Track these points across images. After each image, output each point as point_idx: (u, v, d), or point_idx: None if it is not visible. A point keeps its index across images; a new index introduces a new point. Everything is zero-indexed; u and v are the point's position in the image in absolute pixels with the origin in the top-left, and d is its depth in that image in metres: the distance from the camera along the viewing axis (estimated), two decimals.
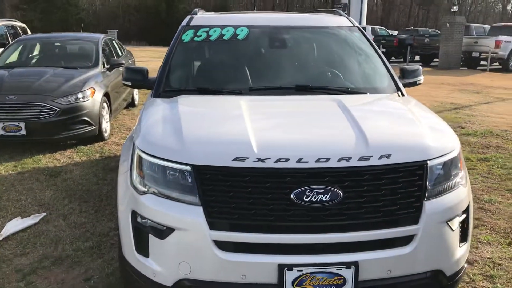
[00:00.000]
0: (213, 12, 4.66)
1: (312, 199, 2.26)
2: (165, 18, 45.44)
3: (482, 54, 20.47)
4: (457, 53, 20.76)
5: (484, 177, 5.70)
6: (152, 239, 2.44)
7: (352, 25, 4.09)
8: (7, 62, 7.93)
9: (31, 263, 3.56)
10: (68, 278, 3.36)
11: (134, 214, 2.55)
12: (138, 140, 2.68)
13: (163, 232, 2.39)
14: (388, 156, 2.38)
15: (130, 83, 3.77)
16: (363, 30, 4.07)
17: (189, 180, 2.37)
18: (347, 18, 4.21)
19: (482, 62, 21.34)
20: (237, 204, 2.30)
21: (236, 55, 3.79)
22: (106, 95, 7.33)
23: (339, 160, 2.33)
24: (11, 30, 12.54)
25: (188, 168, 2.37)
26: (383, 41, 25.64)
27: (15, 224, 4.17)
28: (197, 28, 3.89)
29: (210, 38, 3.78)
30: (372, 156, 2.37)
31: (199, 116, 2.94)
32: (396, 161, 2.38)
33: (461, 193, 2.58)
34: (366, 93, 3.41)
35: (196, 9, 4.35)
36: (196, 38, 3.81)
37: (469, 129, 8.38)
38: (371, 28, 27.93)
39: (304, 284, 2.26)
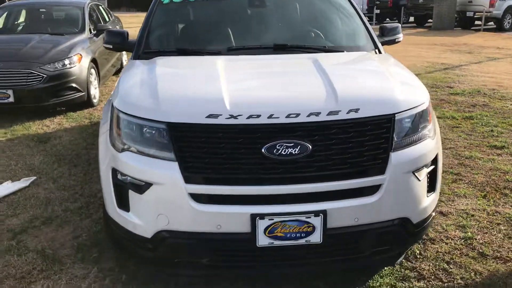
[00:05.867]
0: None
1: (282, 152, 2.36)
2: None
3: (477, 13, 20.26)
4: (451, 13, 20.54)
5: (467, 134, 5.81)
6: (132, 194, 2.55)
7: None
8: None
9: (21, 223, 3.68)
10: (57, 236, 3.49)
11: (114, 171, 2.65)
12: (116, 101, 2.75)
13: (142, 187, 2.49)
14: (356, 110, 2.46)
15: (111, 46, 3.82)
16: None
17: (165, 137, 2.45)
18: None
19: (476, 22, 21.14)
20: (211, 159, 2.40)
21: (215, 15, 3.82)
22: (94, 61, 7.33)
23: (308, 115, 2.41)
24: None
25: (163, 126, 2.45)
26: (377, 2, 25.31)
27: (6, 188, 4.28)
28: None
29: None
30: (340, 110, 2.45)
31: (175, 76, 3.01)
32: (364, 115, 2.46)
33: (428, 145, 2.67)
34: (343, 51, 3.46)
35: None
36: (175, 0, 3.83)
37: (457, 88, 8.45)
38: None
39: (275, 232, 2.38)
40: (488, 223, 3.61)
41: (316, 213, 2.38)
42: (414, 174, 2.56)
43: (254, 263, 2.56)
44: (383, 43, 3.81)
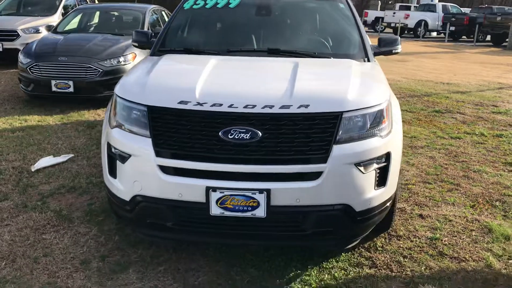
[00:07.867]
0: None
1: (236, 136, 2.77)
2: None
3: None
4: None
5: (488, 151, 5.84)
6: (118, 164, 3.07)
7: None
8: (66, 28, 8.93)
9: (50, 190, 4.36)
10: (75, 202, 4.12)
11: (108, 145, 3.19)
12: (117, 87, 3.31)
13: (124, 158, 3.00)
14: (306, 106, 2.82)
15: (136, 44, 4.44)
16: (349, 2, 4.41)
17: (145, 117, 2.95)
18: None
19: None
20: (178, 138, 2.86)
21: (224, 21, 4.31)
22: None
23: (263, 107, 2.81)
24: (81, 1, 13.70)
25: (145, 108, 2.96)
26: (453, 19, 24.68)
27: (47, 161, 5.01)
28: None
29: (206, 6, 4.32)
30: (292, 105, 2.82)
31: (169, 68, 3.52)
32: (312, 111, 2.82)
33: (374, 142, 2.93)
34: (329, 58, 3.80)
35: None
36: (194, 6, 4.37)
37: (502, 107, 8.33)
38: (442, 5, 26.85)
39: (225, 203, 2.79)
40: (462, 228, 3.77)
41: (261, 191, 2.77)
42: (356, 166, 2.86)
43: (209, 230, 2.98)
44: (378, 53, 4.10)
